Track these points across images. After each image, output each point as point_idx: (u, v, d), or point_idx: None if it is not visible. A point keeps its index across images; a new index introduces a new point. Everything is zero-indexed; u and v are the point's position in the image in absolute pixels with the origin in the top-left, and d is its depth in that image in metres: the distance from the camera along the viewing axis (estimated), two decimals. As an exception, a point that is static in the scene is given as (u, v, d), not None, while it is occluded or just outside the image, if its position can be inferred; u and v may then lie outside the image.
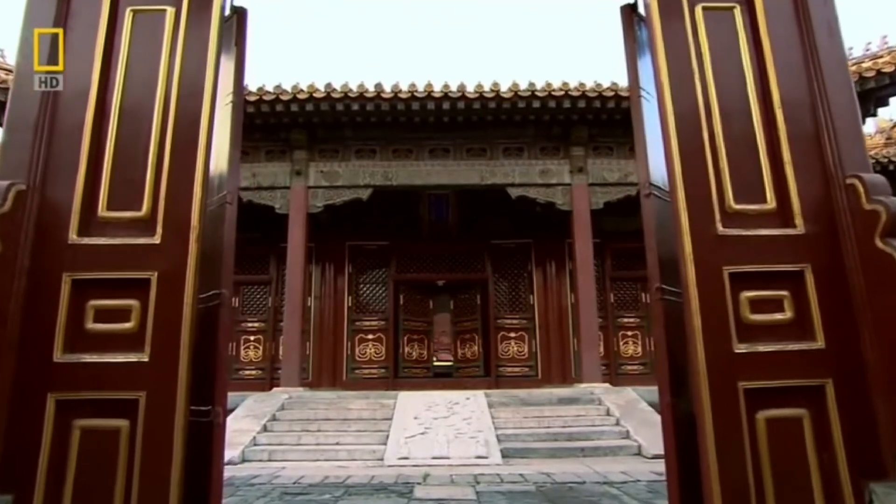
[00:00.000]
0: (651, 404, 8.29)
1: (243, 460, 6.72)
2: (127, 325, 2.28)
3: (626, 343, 12.33)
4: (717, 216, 2.40)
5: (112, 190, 2.42)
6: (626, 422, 7.58)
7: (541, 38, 43.65)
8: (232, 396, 9.51)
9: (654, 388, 9.30)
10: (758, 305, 2.33)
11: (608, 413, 8.09)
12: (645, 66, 2.82)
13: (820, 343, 2.27)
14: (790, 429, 2.22)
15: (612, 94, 9.91)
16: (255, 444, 7.20)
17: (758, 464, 2.17)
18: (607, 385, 9.71)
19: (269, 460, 6.73)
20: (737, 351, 2.26)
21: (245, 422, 7.75)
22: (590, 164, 10.77)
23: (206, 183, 2.45)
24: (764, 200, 2.46)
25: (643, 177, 2.70)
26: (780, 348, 2.27)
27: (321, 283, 12.60)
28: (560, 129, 10.79)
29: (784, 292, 2.35)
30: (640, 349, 12.31)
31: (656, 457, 6.52)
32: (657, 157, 2.62)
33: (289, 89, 9.97)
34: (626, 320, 12.45)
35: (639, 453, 6.80)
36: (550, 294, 12.50)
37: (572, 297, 12.04)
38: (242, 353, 12.33)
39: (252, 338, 12.40)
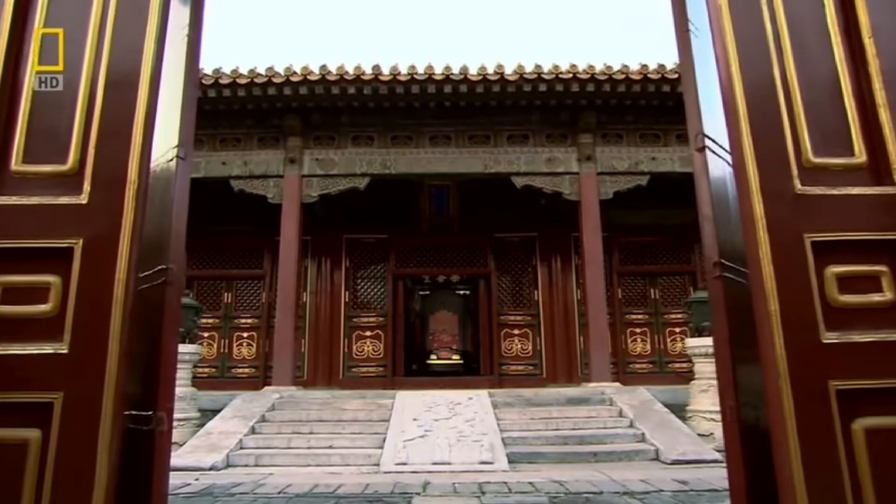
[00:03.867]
0: (666, 405, 7.79)
1: (228, 465, 6.21)
2: (43, 308, 1.78)
3: (635, 341, 11.92)
4: (795, 171, 1.89)
5: (30, 137, 1.91)
6: (640, 424, 7.06)
7: (542, 26, 43.10)
8: (223, 396, 9.03)
9: (668, 388, 8.80)
10: (848, 283, 1.82)
11: (621, 414, 7.57)
12: (693, -4, 2.31)
13: (933, 331, 1.77)
14: (897, 442, 1.72)
15: (622, 77, 9.41)
16: (242, 448, 6.68)
17: (857, 486, 1.67)
18: (618, 384, 9.20)
19: (256, 465, 6.22)
20: (825, 341, 1.76)
21: (232, 423, 7.24)
22: (598, 151, 10.26)
23: (149, 129, 1.94)
24: (851, 153, 1.94)
25: (695, 126, 2.19)
26: (881, 338, 1.77)
27: (317, 278, 12.15)
28: (567, 115, 10.27)
29: (881, 267, 1.84)
30: (648, 347, 11.90)
31: (676, 462, 6.03)
32: (712, 103, 2.12)
33: (281, 72, 9.45)
34: (634, 317, 12.04)
35: (656, 458, 6.29)
36: (556, 290, 12.07)
37: (579, 292, 11.60)
38: (235, 350, 11.91)
39: (245, 334, 11.97)
